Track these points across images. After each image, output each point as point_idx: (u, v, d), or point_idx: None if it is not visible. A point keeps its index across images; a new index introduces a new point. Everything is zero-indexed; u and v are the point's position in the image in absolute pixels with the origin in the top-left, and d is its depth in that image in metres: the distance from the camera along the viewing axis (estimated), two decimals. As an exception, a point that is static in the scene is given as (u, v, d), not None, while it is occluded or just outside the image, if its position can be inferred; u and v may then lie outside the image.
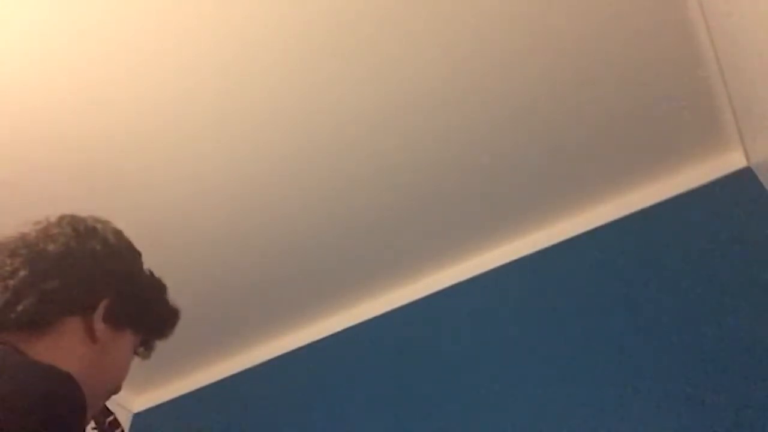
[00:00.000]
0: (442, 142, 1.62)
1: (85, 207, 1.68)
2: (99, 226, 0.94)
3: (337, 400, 1.87)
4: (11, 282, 0.82)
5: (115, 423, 0.96)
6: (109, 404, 2.12)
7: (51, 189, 1.61)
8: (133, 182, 1.63)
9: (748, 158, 1.68)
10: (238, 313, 2.04)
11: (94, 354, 0.84)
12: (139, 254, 0.98)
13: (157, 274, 1.00)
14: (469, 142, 1.63)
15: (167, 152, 1.58)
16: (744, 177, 1.66)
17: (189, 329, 2.11)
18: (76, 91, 1.44)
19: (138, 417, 2.23)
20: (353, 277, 1.97)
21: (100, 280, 0.88)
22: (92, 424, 0.93)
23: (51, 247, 0.86)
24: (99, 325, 0.85)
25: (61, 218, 0.92)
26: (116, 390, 0.92)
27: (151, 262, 1.93)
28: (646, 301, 1.58)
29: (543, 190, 1.78)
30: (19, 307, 0.80)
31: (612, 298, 1.63)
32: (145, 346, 1.00)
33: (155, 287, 1.00)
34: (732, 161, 1.70)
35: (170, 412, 2.18)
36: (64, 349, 0.81)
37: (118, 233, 0.96)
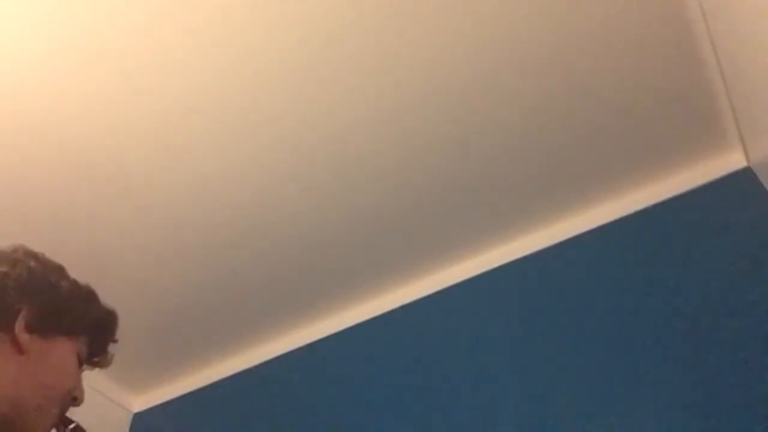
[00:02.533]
0: (442, 142, 1.62)
1: (86, 207, 1.70)
2: (7, 251, 0.96)
3: (337, 400, 1.87)
4: None
5: (79, 430, 0.96)
6: (109, 403, 2.12)
7: (51, 189, 1.61)
8: (133, 182, 1.63)
9: (748, 158, 1.68)
10: (238, 313, 2.04)
11: (26, 366, 0.85)
12: (58, 266, 0.99)
13: (83, 282, 1.02)
14: (469, 142, 1.63)
15: (167, 152, 1.58)
16: (744, 177, 1.66)
17: (189, 329, 2.13)
18: (76, 92, 1.44)
19: (138, 417, 2.23)
20: (353, 277, 1.97)
21: (12, 296, 0.89)
22: None
23: None
24: (23, 336, 0.86)
25: None
26: (71, 399, 0.93)
27: (151, 262, 1.94)
28: (645, 301, 1.58)
29: (542, 190, 1.78)
30: None
31: (612, 298, 1.63)
32: (95, 353, 1.01)
33: (80, 292, 1.01)
34: (732, 161, 1.70)
35: (170, 412, 2.18)
36: None
37: (31, 253, 0.97)
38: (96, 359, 1.02)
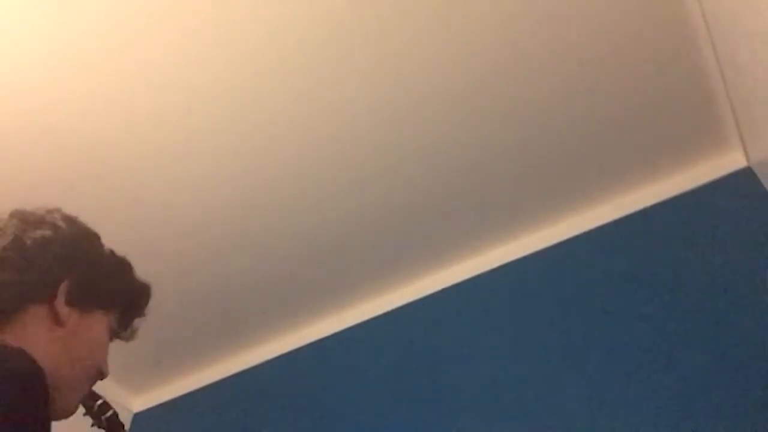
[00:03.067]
0: (442, 142, 1.62)
1: (86, 207, 1.69)
2: (47, 214, 0.94)
3: (337, 399, 1.87)
4: None
5: (106, 406, 0.95)
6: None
7: (51, 189, 1.61)
8: (134, 182, 1.63)
9: (748, 158, 1.68)
10: (238, 313, 2.04)
11: (63, 338, 0.84)
12: (96, 236, 0.96)
13: (120, 253, 0.98)
14: (470, 143, 1.63)
15: (167, 152, 1.58)
16: (744, 177, 1.66)
17: (189, 329, 2.12)
18: (76, 92, 1.44)
19: (138, 417, 2.22)
20: (353, 276, 1.97)
21: (54, 266, 0.87)
22: (83, 409, 0.93)
23: (2, 241, 0.86)
24: (63, 309, 0.85)
25: (11, 213, 0.93)
26: (99, 374, 0.91)
27: (151, 262, 1.93)
28: (645, 301, 1.58)
29: (543, 190, 1.78)
30: None
31: (612, 298, 1.62)
32: (123, 327, 0.99)
33: (117, 265, 0.98)
34: (732, 161, 1.70)
35: (170, 412, 2.18)
36: (30, 338, 0.80)
37: (70, 219, 0.95)
38: (121, 333, 1.00)
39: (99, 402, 0.94)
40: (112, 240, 1.74)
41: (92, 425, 0.94)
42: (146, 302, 1.01)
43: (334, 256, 1.88)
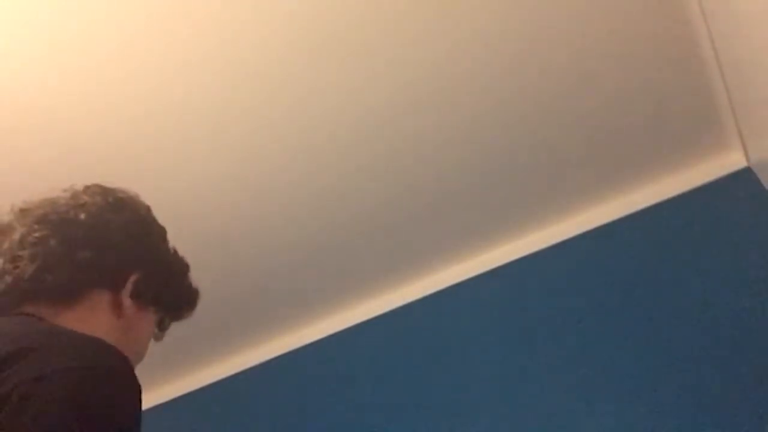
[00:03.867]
0: (442, 142, 1.62)
1: (85, 207, 1.69)
2: (129, 198, 0.92)
3: (337, 400, 1.87)
4: (40, 250, 0.79)
5: None
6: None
7: (50, 189, 1.61)
8: (134, 182, 1.63)
9: (748, 158, 1.68)
10: (238, 313, 2.04)
11: (119, 330, 0.82)
12: (165, 231, 0.95)
13: (181, 254, 0.98)
14: (469, 143, 1.63)
15: (168, 153, 1.58)
16: (744, 177, 1.66)
17: (189, 329, 2.11)
18: (77, 93, 1.44)
19: (138, 417, 2.22)
20: (353, 277, 1.97)
21: (131, 254, 0.86)
22: None
23: (82, 216, 0.83)
24: (126, 301, 0.83)
25: (89, 187, 0.89)
26: None
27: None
28: (646, 301, 1.58)
29: (543, 190, 1.78)
30: (49, 277, 0.77)
31: (612, 298, 1.63)
32: (160, 327, 0.97)
33: (180, 266, 0.97)
34: (732, 161, 1.70)
35: (170, 412, 2.18)
36: (91, 324, 0.78)
37: (148, 208, 0.93)
38: (156, 332, 0.98)
39: None
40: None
41: None
42: (193, 308, 1.01)
43: (333, 256, 1.88)
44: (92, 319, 0.79)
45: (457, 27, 1.41)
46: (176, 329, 2.19)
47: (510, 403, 1.59)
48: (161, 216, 1.74)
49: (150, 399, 2.25)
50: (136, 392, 0.66)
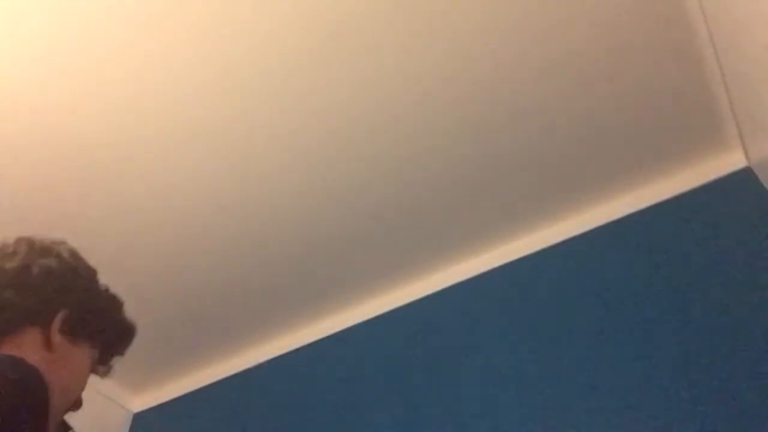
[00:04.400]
0: (443, 142, 1.62)
1: (86, 208, 1.70)
2: (54, 245, 0.99)
3: (337, 400, 1.87)
4: None
5: None
6: (109, 403, 2.12)
7: (52, 190, 1.61)
8: (134, 183, 1.63)
9: (748, 158, 1.68)
10: (238, 313, 2.04)
11: (51, 364, 0.87)
12: (94, 272, 1.02)
13: (113, 291, 1.04)
14: (470, 144, 1.63)
15: (168, 153, 1.58)
16: (744, 177, 1.66)
17: (189, 329, 2.12)
18: (77, 93, 1.44)
19: (138, 417, 2.23)
20: (353, 277, 1.97)
21: (55, 293, 0.93)
22: None
23: (9, 264, 0.92)
24: (56, 337, 0.90)
25: (19, 239, 0.98)
26: (75, 404, 0.94)
27: (151, 263, 1.94)
28: (646, 301, 1.58)
29: (543, 190, 1.78)
30: None
31: (612, 299, 1.63)
32: (102, 363, 1.03)
33: (111, 302, 1.03)
34: (732, 161, 1.70)
35: (170, 412, 2.18)
36: (25, 356, 0.84)
37: (74, 252, 1.00)
38: (99, 368, 1.04)
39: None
40: (112, 240, 1.75)
41: None
42: (129, 342, 1.06)
43: (334, 256, 1.88)
44: (24, 353, 0.85)
45: (456, 27, 1.41)
46: (176, 329, 2.19)
47: (510, 403, 1.59)
48: (160, 216, 1.75)
49: (150, 399, 2.25)
50: (40, 408, 0.74)
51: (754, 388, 1.34)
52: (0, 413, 0.66)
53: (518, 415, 1.56)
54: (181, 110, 1.49)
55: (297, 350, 2.07)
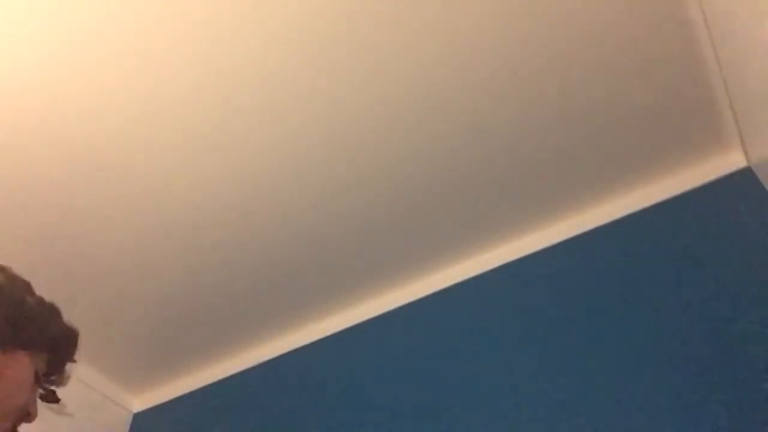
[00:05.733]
0: (442, 143, 1.62)
1: (87, 208, 1.69)
2: None
3: (337, 400, 1.87)
4: None
5: None
6: (109, 403, 2.12)
7: (53, 190, 1.61)
8: (134, 182, 1.63)
9: (748, 158, 1.68)
10: (238, 313, 2.04)
11: None
12: (26, 284, 1.00)
13: (48, 299, 1.02)
14: (470, 143, 1.63)
15: (168, 153, 1.58)
16: (744, 177, 1.66)
17: (189, 329, 2.12)
18: (77, 94, 1.44)
19: (138, 417, 2.22)
20: (353, 277, 1.97)
21: None
22: None
23: None
24: None
25: None
26: (26, 415, 0.94)
27: (152, 263, 1.94)
28: (645, 302, 1.58)
29: (543, 190, 1.78)
30: None
31: (612, 299, 1.63)
32: (54, 371, 1.01)
33: (42, 308, 1.01)
34: (732, 161, 1.70)
35: (170, 412, 2.18)
36: None
37: (2, 267, 0.98)
38: (53, 377, 1.02)
39: None
40: (112, 240, 1.75)
41: None
42: (74, 347, 1.04)
43: (333, 256, 1.88)
44: None
45: (456, 28, 1.41)
46: (176, 329, 2.19)
47: (510, 403, 1.59)
48: (160, 216, 1.75)
49: (150, 399, 2.25)
50: None
51: (756, 388, 1.34)
52: None
53: (519, 415, 1.56)
54: (181, 109, 1.49)
55: (297, 350, 2.07)
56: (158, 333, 2.03)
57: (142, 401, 2.26)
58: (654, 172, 1.75)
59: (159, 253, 1.81)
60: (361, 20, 1.38)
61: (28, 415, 0.93)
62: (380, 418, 1.75)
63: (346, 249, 1.87)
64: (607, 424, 1.45)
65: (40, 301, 1.00)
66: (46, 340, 0.98)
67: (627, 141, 1.66)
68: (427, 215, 1.80)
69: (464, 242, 1.90)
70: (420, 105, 1.54)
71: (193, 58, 1.40)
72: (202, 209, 1.72)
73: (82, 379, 1.97)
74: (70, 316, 1.01)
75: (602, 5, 1.39)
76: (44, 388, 1.01)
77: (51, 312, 1.01)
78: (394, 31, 1.40)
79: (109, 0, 1.30)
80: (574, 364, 1.57)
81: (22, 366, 0.93)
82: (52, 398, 1.00)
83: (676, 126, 1.64)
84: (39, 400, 0.98)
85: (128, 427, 2.19)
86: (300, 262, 1.89)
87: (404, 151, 1.64)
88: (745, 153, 1.68)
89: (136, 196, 1.66)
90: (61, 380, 1.03)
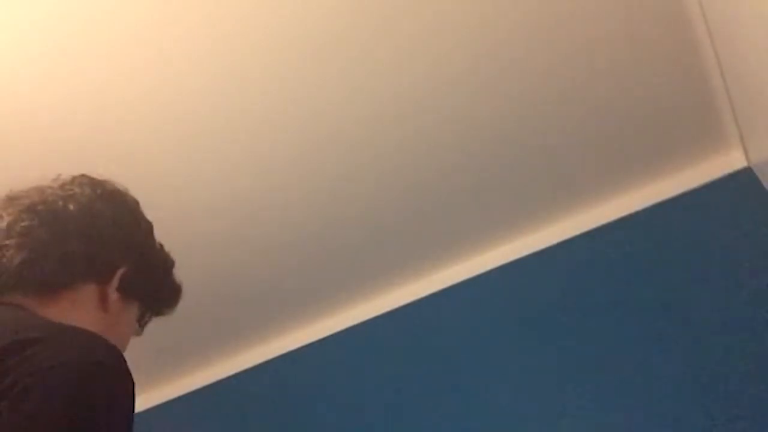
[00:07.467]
0: (442, 143, 1.62)
1: (85, 207, 1.69)
2: (118, 191, 0.91)
3: (337, 400, 1.87)
4: (28, 240, 0.77)
5: None
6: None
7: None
8: (134, 182, 1.63)
9: (748, 158, 1.68)
10: (238, 313, 2.04)
11: (104, 324, 0.81)
12: (152, 226, 0.95)
13: (167, 249, 0.97)
14: (471, 144, 1.63)
15: (168, 153, 1.58)
16: (744, 177, 1.66)
17: (189, 329, 2.12)
18: (77, 93, 1.44)
19: (138, 417, 2.22)
20: (353, 277, 1.97)
21: (120, 248, 0.85)
22: None
23: (71, 206, 0.82)
24: (113, 295, 0.83)
25: (77, 177, 0.89)
26: None
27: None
28: (645, 302, 1.58)
29: (543, 190, 1.78)
30: (37, 268, 0.76)
31: (612, 299, 1.63)
32: (141, 323, 0.96)
33: (166, 261, 0.97)
34: (732, 161, 1.70)
35: (170, 412, 2.18)
36: (76, 316, 0.77)
37: (136, 201, 0.93)
38: (137, 328, 0.97)
39: None
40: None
41: None
42: (174, 305, 0.99)
43: (334, 256, 1.88)
44: (77, 311, 0.78)
45: (457, 30, 1.41)
46: (176, 329, 2.20)
47: (510, 403, 1.59)
48: (160, 216, 1.74)
49: (150, 399, 2.25)
50: (131, 388, 0.66)
51: (756, 389, 1.34)
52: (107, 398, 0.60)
53: (519, 415, 1.56)
54: (181, 110, 1.49)
55: (297, 350, 2.07)
56: (158, 333, 2.03)
57: (142, 401, 2.26)
58: (654, 171, 1.75)
59: (159, 253, 1.81)
60: (364, 22, 1.38)
61: None
62: (380, 418, 1.75)
63: (345, 249, 1.87)
64: (607, 423, 1.45)
65: (163, 251, 0.95)
66: (158, 297, 0.94)
67: (627, 141, 1.66)
68: (427, 215, 1.80)
69: (464, 242, 1.90)
70: (421, 105, 1.54)
71: (194, 57, 1.40)
72: (201, 209, 1.72)
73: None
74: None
75: (602, 6, 1.39)
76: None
77: (169, 266, 0.96)
78: (398, 33, 1.40)
79: (108, 1, 1.30)
80: (574, 363, 1.58)
81: (132, 316, 0.90)
82: None
83: (676, 126, 1.64)
84: None
85: (128, 427, 2.19)
86: (300, 262, 1.89)
87: (404, 152, 1.64)
88: (745, 153, 1.68)
89: (135, 195, 1.66)
90: (140, 331, 0.98)
